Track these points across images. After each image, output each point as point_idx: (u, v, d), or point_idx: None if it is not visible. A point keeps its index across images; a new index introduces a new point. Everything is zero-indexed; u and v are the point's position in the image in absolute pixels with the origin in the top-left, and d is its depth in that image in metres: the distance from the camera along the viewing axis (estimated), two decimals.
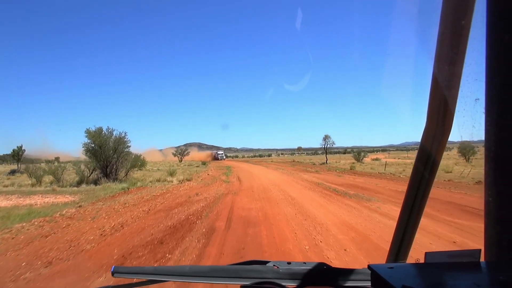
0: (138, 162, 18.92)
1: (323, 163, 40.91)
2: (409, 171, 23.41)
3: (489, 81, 0.73)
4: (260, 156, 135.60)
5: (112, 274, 0.92)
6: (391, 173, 21.96)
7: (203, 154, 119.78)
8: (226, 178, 22.43)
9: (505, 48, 0.68)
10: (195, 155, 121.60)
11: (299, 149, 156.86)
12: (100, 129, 16.90)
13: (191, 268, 0.92)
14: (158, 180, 19.51)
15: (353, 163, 38.93)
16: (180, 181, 19.94)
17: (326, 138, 41.47)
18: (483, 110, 0.76)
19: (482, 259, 0.78)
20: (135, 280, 0.95)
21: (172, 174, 22.39)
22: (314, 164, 41.48)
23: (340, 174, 23.57)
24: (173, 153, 69.31)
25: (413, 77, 1.59)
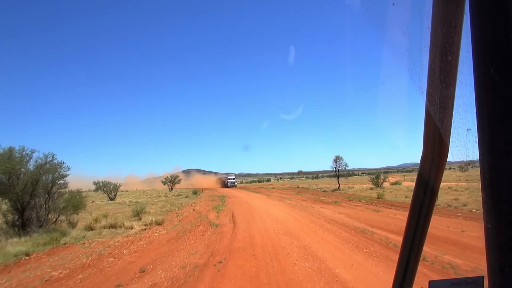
0: (72, 202, 12.28)
1: (335, 190, 34.47)
2: (462, 199, 17.24)
3: (479, 112, 0.75)
4: (259, 181, 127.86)
5: None
6: (447, 205, 15.66)
7: (211, 180, 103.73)
8: (216, 216, 16.03)
9: (492, 81, 0.71)
10: (196, 180, 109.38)
11: (300, 173, 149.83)
12: (10, 150, 10.73)
13: None
14: (113, 226, 13.07)
15: (371, 188, 32.62)
16: (146, 225, 13.50)
17: (337, 159, 35.30)
18: (476, 140, 0.78)
19: (486, 285, 0.81)
20: None
21: (139, 212, 15.93)
22: (324, 191, 35.01)
23: (373, 207, 17.21)
24: (162, 181, 62.38)
25: (407, 107, 1.67)
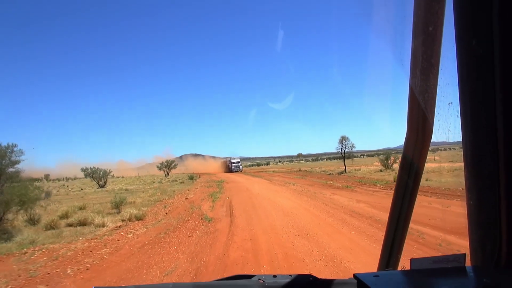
0: (19, 195, 9.56)
1: (342, 172, 32.02)
2: None
3: (461, 86, 0.74)
4: (258, 164, 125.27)
5: None
6: None
7: (213, 164, 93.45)
8: (211, 207, 13.52)
9: (474, 54, 0.69)
10: (195, 165, 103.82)
11: (299, 155, 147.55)
12: None
13: (175, 285, 0.86)
14: (82, 223, 10.52)
15: (381, 170, 30.22)
16: (123, 220, 10.98)
17: (343, 140, 32.66)
18: (457, 114, 0.76)
19: (468, 263, 0.77)
20: None
21: (119, 204, 13.34)
22: (330, 174, 32.54)
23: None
24: (157, 167, 59.82)
25: (392, 86, 1.65)
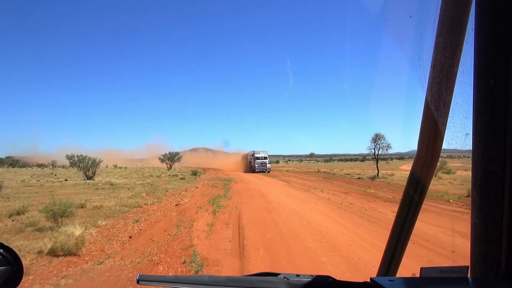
0: None
1: (374, 177, 26.39)
2: None
3: (477, 119, 0.80)
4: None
5: (138, 281, 0.88)
6: None
7: (230, 159, 68.97)
8: (209, 224, 8.25)
9: (491, 92, 0.76)
10: (206, 159, 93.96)
11: (312, 155, 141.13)
12: None
13: (210, 277, 0.92)
14: None
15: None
16: (40, 253, 5.84)
17: (377, 138, 26.93)
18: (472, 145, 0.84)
19: (469, 275, 0.85)
20: None
21: (59, 215, 8.14)
22: (359, 178, 26.93)
23: None
24: (159, 158, 54.83)
25: (405, 96, 1.78)
